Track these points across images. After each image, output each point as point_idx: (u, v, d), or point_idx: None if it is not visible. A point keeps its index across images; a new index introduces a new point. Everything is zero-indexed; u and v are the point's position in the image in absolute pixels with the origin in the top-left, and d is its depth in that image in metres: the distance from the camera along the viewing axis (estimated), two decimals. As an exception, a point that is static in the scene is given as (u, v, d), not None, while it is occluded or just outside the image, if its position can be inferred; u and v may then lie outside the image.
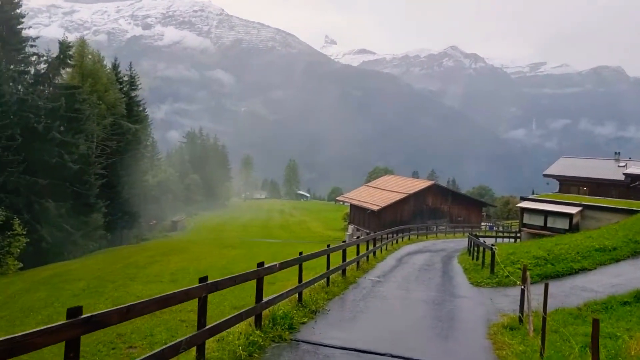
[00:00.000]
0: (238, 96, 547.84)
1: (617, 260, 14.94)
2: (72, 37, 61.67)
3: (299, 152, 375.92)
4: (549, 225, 29.56)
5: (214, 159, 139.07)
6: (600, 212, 28.41)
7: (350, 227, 64.26)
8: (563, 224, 28.78)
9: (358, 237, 37.81)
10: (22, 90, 48.01)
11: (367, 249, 19.12)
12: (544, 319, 7.17)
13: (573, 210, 28.57)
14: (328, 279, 12.67)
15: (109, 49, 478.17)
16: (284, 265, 9.49)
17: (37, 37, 48.73)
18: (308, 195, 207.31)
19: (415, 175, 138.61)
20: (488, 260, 17.67)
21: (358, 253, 16.81)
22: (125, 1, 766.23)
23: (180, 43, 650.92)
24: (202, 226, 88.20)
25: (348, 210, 68.93)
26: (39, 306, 23.58)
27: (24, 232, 39.73)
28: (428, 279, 16.11)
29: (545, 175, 54.78)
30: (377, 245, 21.75)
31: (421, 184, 60.53)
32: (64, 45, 49.82)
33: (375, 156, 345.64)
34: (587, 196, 38.05)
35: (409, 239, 34.91)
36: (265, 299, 8.84)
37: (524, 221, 31.11)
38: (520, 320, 9.26)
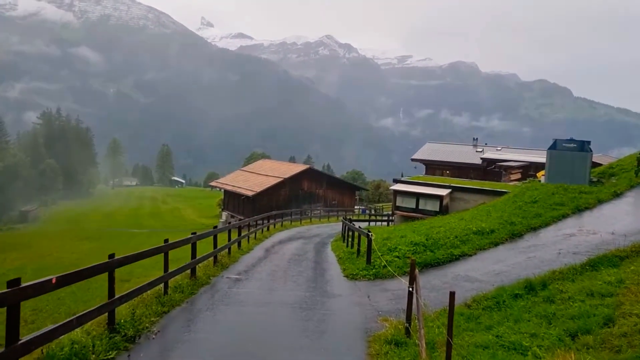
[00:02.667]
0: (106, 76, 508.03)
1: (496, 244, 14.18)
2: None
3: (174, 136, 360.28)
4: (420, 207, 29.41)
5: (75, 142, 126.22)
6: (468, 194, 28.79)
7: (224, 214, 61.22)
8: (434, 206, 28.75)
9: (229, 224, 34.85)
10: None
11: (229, 239, 16.57)
12: (449, 344, 5.35)
13: (443, 192, 28.63)
14: (166, 284, 9.88)
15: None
16: (68, 280, 5.98)
17: None
18: (183, 181, 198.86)
19: (292, 160, 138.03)
20: (363, 248, 16.19)
21: (215, 246, 14.30)
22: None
23: (38, 15, 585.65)
24: (59, 216, 79.14)
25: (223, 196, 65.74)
26: None
27: None
28: (298, 272, 14.05)
29: (413, 160, 56.73)
30: (243, 235, 19.30)
31: (297, 168, 59.26)
32: None
33: (253, 141, 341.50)
34: (452, 178, 39.14)
35: (281, 225, 32.97)
36: (33, 335, 5.56)
37: (397, 204, 30.71)
38: (408, 331, 7.48)
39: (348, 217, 27.03)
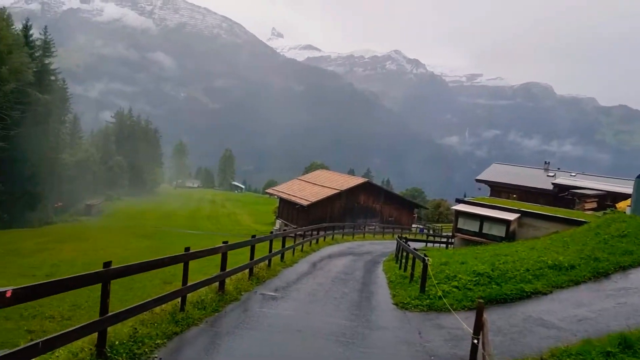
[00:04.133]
0: (178, 81, 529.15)
1: (577, 283, 12.01)
2: (2, 4, 54.11)
3: (237, 142, 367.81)
4: (484, 231, 27.03)
5: (143, 142, 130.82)
6: (539, 220, 26.15)
7: (278, 222, 60.54)
8: (499, 231, 26.32)
9: (271, 233, 32.94)
10: None
11: (270, 250, 15.13)
12: None
13: (511, 216, 26.16)
14: (184, 298, 8.60)
15: (41, 19, 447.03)
16: (32, 294, 4.71)
17: None
18: (243, 186, 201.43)
19: (351, 173, 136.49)
20: (418, 272, 14.40)
21: (252, 257, 13.05)
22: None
23: (120, 21, 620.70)
24: (121, 212, 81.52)
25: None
26: None
27: None
28: (342, 295, 12.47)
29: (478, 180, 53.62)
30: (287, 246, 17.94)
31: (354, 180, 57.68)
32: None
33: (314, 152, 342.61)
34: (520, 202, 36.21)
35: (332, 238, 31.42)
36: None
37: (458, 226, 28.46)
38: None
39: (404, 236, 25.18)
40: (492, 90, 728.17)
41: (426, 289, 12.47)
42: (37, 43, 62.45)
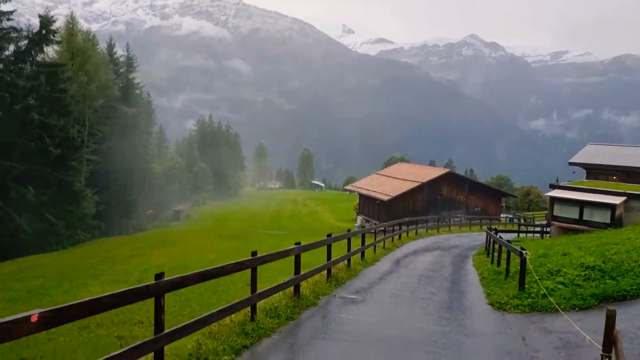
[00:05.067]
0: (255, 86, 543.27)
1: None
2: (91, 28, 57.88)
3: (315, 141, 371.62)
4: (585, 218, 24.55)
5: (225, 147, 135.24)
6: (651, 203, 23.34)
7: (359, 218, 59.68)
8: (603, 217, 23.75)
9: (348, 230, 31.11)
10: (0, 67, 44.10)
11: (349, 249, 14.20)
12: None
13: (616, 200, 23.51)
14: (253, 307, 7.83)
15: (127, 38, 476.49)
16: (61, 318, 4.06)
17: (14, 11, 44.58)
18: (323, 185, 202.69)
19: (432, 164, 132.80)
20: (514, 267, 12.93)
21: (329, 257, 11.97)
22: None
23: (198, 33, 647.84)
24: (207, 216, 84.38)
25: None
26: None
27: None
28: (429, 295, 11.31)
29: (571, 164, 49.40)
30: (368, 244, 16.94)
31: (435, 172, 55.48)
32: (45, 20, 45.70)
33: (393, 146, 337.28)
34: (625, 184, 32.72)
35: (415, 233, 29.96)
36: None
37: (555, 213, 26.08)
38: None
39: (493, 227, 23.37)
40: (580, 67, 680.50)
41: (526, 285, 11.02)
42: (121, 60, 65.86)
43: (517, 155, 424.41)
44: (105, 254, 38.20)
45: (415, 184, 50.03)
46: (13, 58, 45.49)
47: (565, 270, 11.59)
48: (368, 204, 55.54)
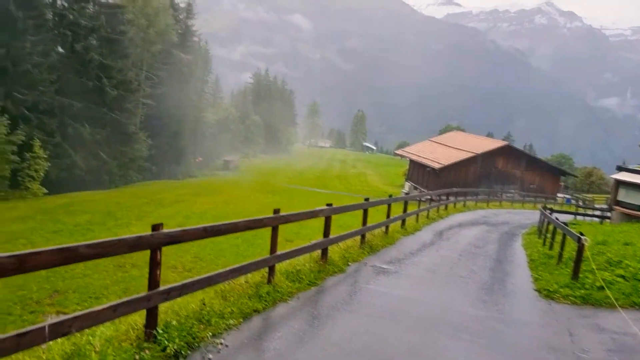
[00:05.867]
0: (314, 42, 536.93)
1: None
2: None
3: (370, 103, 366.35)
4: (653, 206, 22.57)
5: (279, 102, 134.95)
6: None
7: (407, 185, 58.43)
8: (674, 206, 21.77)
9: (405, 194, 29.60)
10: (64, 5, 44.68)
11: (388, 215, 13.30)
12: None
13: (691, 190, 21.41)
14: (272, 268, 7.12)
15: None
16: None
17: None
18: (374, 147, 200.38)
19: (489, 136, 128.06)
20: (568, 252, 11.76)
21: (365, 222, 11.10)
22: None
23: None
24: (255, 168, 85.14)
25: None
26: (1, 239, 20.33)
27: (45, 156, 37.06)
28: (469, 273, 10.38)
29: (643, 147, 46.13)
30: (409, 212, 15.97)
31: (492, 143, 53.10)
32: (108, -41, 45.72)
33: (450, 114, 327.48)
34: None
35: (464, 205, 28.58)
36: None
37: (619, 197, 24.14)
38: None
39: (548, 207, 21.83)
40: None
41: (580, 275, 9.91)
42: (182, 6, 65.67)
43: (582, 134, 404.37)
44: (152, 196, 39.02)
45: (469, 154, 48.08)
46: (77, -3, 45.96)
47: (627, 262, 10.36)
48: (418, 171, 54.08)
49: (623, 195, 23.60)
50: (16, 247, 18.67)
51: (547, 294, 9.25)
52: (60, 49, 43.59)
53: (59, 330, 3.72)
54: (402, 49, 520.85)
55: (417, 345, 6.04)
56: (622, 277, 9.61)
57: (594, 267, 9.89)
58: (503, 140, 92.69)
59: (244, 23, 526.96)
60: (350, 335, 5.99)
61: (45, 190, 37.25)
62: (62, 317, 3.78)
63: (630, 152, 51.74)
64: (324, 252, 8.87)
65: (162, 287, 4.77)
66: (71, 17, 43.33)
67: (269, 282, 7.02)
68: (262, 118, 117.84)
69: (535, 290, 9.64)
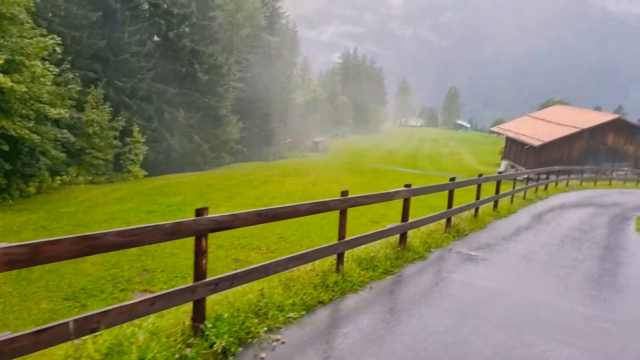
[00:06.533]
0: (404, 19, 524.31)
1: None
2: None
3: (465, 80, 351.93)
4: None
5: (368, 81, 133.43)
6: None
7: (504, 163, 55.14)
8: None
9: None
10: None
11: (478, 196, 12.09)
12: None
13: None
14: (340, 255, 6.38)
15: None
16: None
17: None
18: (468, 125, 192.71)
19: (597, 110, 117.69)
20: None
21: (450, 204, 10.07)
22: None
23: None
24: (344, 149, 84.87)
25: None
26: (101, 219, 21.51)
27: (144, 140, 39.09)
28: (572, 262, 9.00)
29: None
30: (503, 192, 14.50)
31: (600, 117, 48.37)
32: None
33: (552, 89, 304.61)
34: None
35: (567, 184, 25.98)
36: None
37: None
38: None
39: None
40: None
41: None
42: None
43: None
44: (242, 177, 39.95)
45: (573, 130, 44.22)
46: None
47: None
48: (515, 149, 50.81)
49: None
50: (112, 226, 19.71)
51: (670, 289, 7.82)
52: (155, 37, 45.64)
53: (86, 326, 3.35)
54: (500, 21, 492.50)
55: (507, 349, 5.13)
56: None
57: None
58: (614, 114, 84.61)
59: (333, 3, 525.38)
60: (427, 335, 5.21)
61: (145, 173, 39.38)
62: (90, 312, 3.41)
63: None
64: (403, 237, 8.04)
65: (209, 278, 4.30)
66: (165, 5, 45.05)
67: (337, 270, 6.36)
68: (351, 98, 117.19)
69: (655, 285, 8.21)
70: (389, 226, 7.55)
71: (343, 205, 6.19)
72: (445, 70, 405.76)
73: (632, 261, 9.90)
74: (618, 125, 45.49)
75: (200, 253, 4.22)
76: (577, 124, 45.29)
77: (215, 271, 15.86)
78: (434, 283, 7.02)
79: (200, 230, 4.17)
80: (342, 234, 6.30)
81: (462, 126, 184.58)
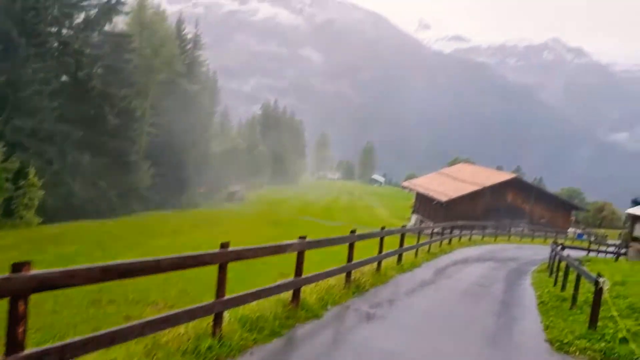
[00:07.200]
0: (325, 76, 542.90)
1: None
2: (172, 9, 58.62)
3: (380, 135, 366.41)
4: (672, 243, 21.02)
5: (288, 133, 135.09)
6: None
7: (414, 217, 56.95)
8: (696, 244, 20.19)
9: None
10: (69, 34, 44.79)
11: (380, 249, 11.89)
12: None
13: None
14: (218, 316, 5.69)
15: (205, 21, 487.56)
16: None
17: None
18: (382, 179, 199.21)
19: (499, 169, 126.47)
20: (583, 295, 10.36)
21: (350, 258, 9.67)
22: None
23: (274, 19, 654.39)
24: (261, 199, 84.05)
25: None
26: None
27: (41, 184, 36.29)
28: (471, 319, 8.91)
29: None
30: (407, 246, 14.61)
31: (500, 176, 51.78)
32: (115, -10, 45.97)
33: (460, 147, 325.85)
34: None
35: (469, 239, 27.02)
36: None
37: (635, 233, 22.63)
38: None
39: (560, 242, 20.36)
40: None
41: (599, 323, 8.51)
42: (189, 37, 66.02)
43: (593, 168, 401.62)
44: (149, 226, 37.97)
45: (477, 187, 46.77)
46: (82, 26, 46.05)
47: (653, 308, 8.96)
48: (425, 204, 52.73)
49: (639, 231, 22.11)
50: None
51: (561, 346, 7.84)
52: (64, 77, 43.48)
53: None
54: (412, 82, 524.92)
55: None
56: (646, 326, 8.19)
57: (615, 313, 8.49)
58: (512, 173, 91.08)
59: (256, 57, 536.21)
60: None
61: (40, 219, 36.29)
62: None
63: (643, 187, 50.23)
64: (296, 293, 7.52)
65: (28, 351, 3.49)
66: (76, 45, 43.29)
67: (213, 334, 5.65)
68: (270, 149, 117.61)
69: (547, 340, 8.23)
70: (279, 282, 7.02)
71: (221, 259, 5.60)
72: (362, 126, 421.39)
73: (526, 317, 10.02)
74: (516, 184, 48.78)
75: (16, 319, 3.41)
76: (480, 182, 47.98)
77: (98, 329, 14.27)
78: (325, 347, 6.52)
79: (16, 290, 3.37)
80: (220, 291, 5.68)
81: (377, 180, 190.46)
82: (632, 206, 24.49)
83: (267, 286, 6.74)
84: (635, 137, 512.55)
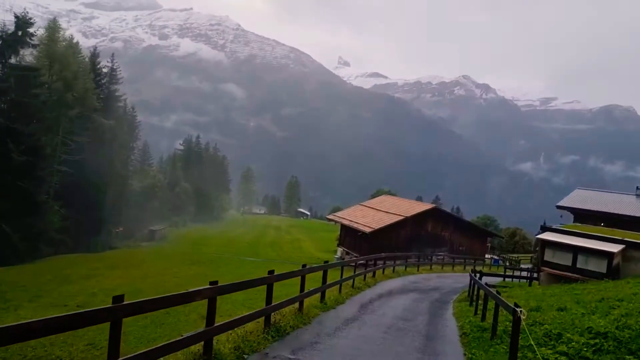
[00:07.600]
0: (248, 111, 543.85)
1: None
2: (89, 43, 56.25)
3: (305, 169, 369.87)
4: (579, 266, 22.32)
5: (211, 169, 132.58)
6: (651, 254, 21.20)
7: (340, 250, 57.09)
8: (599, 265, 21.56)
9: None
10: (-32, 67, 41.73)
11: (302, 288, 11.47)
12: None
13: (614, 248, 21.36)
14: None
15: (124, 56, 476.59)
16: None
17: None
18: (308, 213, 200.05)
19: (419, 200, 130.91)
20: (502, 325, 10.52)
21: (269, 300, 9.22)
22: (143, 11, 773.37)
23: (195, 55, 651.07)
24: (184, 238, 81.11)
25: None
26: None
27: None
28: (395, 356, 8.71)
29: (559, 207, 47.43)
30: (330, 283, 14.32)
31: (421, 207, 53.41)
32: (21, 21, 43.55)
33: (381, 179, 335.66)
34: (627, 231, 30.55)
35: (393, 270, 27.33)
36: None
37: (546, 258, 23.84)
38: None
39: (478, 270, 21.00)
40: (569, 114, 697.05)
41: (518, 354, 8.60)
42: (104, 71, 63.66)
43: (504, 196, 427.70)
44: (59, 272, 35.29)
45: (399, 218, 47.79)
46: (-16, 58, 43.11)
47: (568, 335, 9.19)
48: (350, 236, 53.06)
49: (550, 256, 23.33)
50: None
51: (482, 380, 7.80)
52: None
53: None
54: (334, 117, 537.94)
55: None
56: (566, 354, 8.37)
57: (532, 342, 8.62)
58: (432, 203, 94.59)
59: (178, 92, 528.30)
60: None
61: None
62: None
63: (547, 212, 54.02)
64: (207, 345, 6.96)
65: None
66: (-24, 79, 40.36)
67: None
68: (193, 185, 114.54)
69: (469, 375, 8.18)
70: (187, 334, 6.44)
71: (115, 316, 5.00)
72: (286, 160, 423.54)
73: (449, 351, 10.02)
74: (435, 214, 50.47)
75: None
76: (402, 213, 49.15)
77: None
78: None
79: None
80: (113, 352, 5.06)
81: (303, 213, 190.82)
82: (541, 232, 25.87)
83: (173, 340, 6.15)
84: (539, 166, 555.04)
